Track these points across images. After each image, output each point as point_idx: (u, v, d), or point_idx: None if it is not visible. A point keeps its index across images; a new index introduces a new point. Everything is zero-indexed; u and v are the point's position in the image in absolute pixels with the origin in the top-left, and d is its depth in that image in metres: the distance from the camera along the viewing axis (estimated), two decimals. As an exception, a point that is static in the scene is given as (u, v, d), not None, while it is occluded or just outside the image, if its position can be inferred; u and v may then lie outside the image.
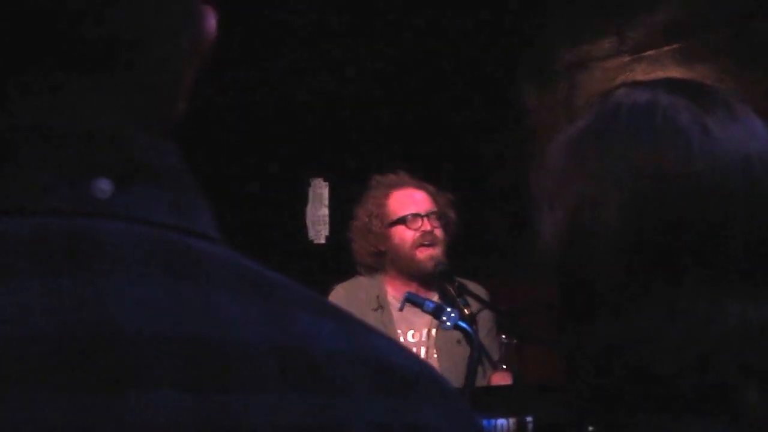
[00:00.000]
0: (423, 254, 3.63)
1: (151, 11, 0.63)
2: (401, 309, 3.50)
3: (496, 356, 3.49)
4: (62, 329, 0.55)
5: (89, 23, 0.60)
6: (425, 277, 3.67)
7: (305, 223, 5.91)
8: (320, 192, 5.88)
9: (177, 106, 0.68)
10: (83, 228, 0.59)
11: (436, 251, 3.64)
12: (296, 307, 0.62)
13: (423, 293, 3.60)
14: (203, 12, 0.69)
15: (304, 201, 5.93)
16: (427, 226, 3.65)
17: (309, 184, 5.93)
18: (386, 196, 3.74)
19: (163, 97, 0.66)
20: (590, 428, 0.98)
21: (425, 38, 5.54)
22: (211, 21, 0.69)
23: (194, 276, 0.60)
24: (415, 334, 3.65)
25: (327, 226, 5.84)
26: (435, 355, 3.62)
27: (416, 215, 3.67)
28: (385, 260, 3.72)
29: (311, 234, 5.89)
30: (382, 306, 3.66)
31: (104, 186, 0.60)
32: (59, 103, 0.61)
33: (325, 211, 5.85)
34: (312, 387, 0.59)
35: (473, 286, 3.60)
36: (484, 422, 2.83)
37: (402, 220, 3.67)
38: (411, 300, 3.35)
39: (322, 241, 5.83)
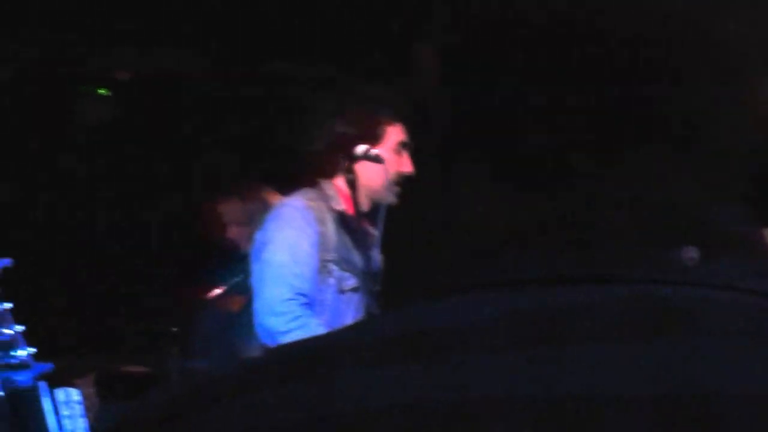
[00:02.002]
0: None
1: (723, 82, 0.66)
2: None
3: None
4: (656, 391, 0.57)
5: (672, 102, 0.64)
6: None
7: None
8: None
9: (753, 169, 0.69)
10: (673, 296, 0.62)
11: None
12: None
13: None
14: None
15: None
16: None
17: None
18: None
19: (737, 164, 0.68)
20: None
21: None
22: None
23: None
24: None
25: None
26: None
27: None
28: None
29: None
30: None
31: (691, 254, 0.63)
32: (642, 175, 0.64)
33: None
34: None
35: None
36: None
37: None
38: None
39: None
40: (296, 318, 3.12)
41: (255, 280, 3.24)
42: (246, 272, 3.53)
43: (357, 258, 3.28)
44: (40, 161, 5.64)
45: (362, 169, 3.28)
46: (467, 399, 0.57)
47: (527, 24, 0.65)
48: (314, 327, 3.12)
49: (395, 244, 3.20)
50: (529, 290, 0.63)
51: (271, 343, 3.15)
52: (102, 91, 5.43)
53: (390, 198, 3.28)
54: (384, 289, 3.34)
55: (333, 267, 3.22)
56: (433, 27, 0.69)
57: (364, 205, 3.31)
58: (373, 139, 3.28)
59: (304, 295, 3.16)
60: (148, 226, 5.91)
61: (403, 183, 3.31)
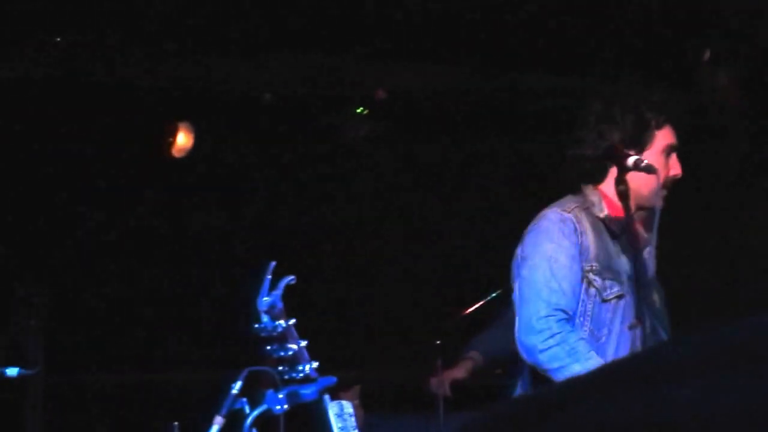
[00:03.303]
0: None
1: None
2: None
3: None
4: None
5: None
6: None
7: None
8: None
9: None
10: None
11: None
12: None
13: None
14: None
15: None
16: None
17: None
18: None
19: None
20: None
21: None
22: None
23: None
24: None
25: None
26: None
27: None
28: None
29: None
30: None
31: None
32: None
33: None
34: None
35: None
36: None
37: None
38: None
39: None
40: (553, 335, 3.11)
41: (516, 296, 3.25)
42: (504, 287, 3.54)
43: (623, 264, 3.23)
44: (311, 182, 5.86)
45: (632, 177, 3.22)
46: None
47: None
48: (573, 342, 3.10)
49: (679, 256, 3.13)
50: None
51: (531, 360, 3.17)
52: (360, 110, 5.59)
53: (658, 202, 3.23)
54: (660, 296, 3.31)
55: (594, 277, 3.19)
56: (726, 51, 0.71)
57: (633, 209, 3.25)
58: (642, 144, 3.23)
59: (562, 310, 3.15)
60: (416, 243, 6.04)
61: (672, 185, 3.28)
